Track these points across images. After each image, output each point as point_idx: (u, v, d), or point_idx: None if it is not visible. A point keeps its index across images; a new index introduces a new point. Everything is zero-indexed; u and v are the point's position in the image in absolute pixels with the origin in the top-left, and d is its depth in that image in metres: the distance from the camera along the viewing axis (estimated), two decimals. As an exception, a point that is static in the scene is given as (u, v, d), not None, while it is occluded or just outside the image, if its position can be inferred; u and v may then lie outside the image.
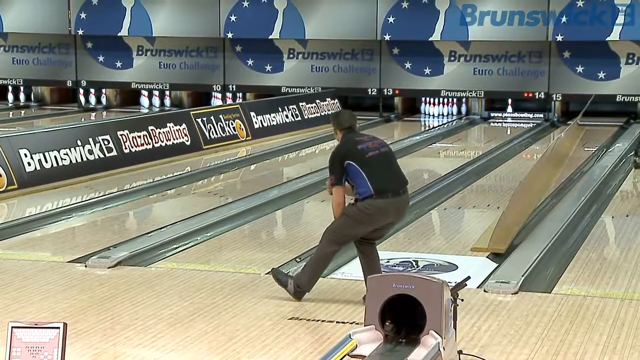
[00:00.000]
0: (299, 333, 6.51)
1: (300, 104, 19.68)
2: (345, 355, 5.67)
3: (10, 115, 21.85)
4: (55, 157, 12.66)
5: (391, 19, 21.75)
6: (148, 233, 9.83)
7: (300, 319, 6.75)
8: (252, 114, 17.83)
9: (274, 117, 18.43)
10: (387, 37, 21.76)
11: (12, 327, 3.81)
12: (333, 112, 7.57)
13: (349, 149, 7.19)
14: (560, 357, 5.96)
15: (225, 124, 16.78)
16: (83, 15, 22.72)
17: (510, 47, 21.21)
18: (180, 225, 10.13)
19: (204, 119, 16.34)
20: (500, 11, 21.21)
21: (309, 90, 21.56)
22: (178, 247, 9.23)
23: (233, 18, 22.30)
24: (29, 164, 12.18)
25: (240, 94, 22.45)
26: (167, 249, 9.13)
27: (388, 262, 8.44)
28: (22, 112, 22.45)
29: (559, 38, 20.89)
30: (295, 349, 6.18)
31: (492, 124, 21.92)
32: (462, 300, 5.72)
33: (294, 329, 6.59)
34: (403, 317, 5.66)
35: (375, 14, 21.80)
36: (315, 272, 7.18)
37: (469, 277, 6.35)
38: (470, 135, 20.59)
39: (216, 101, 22.47)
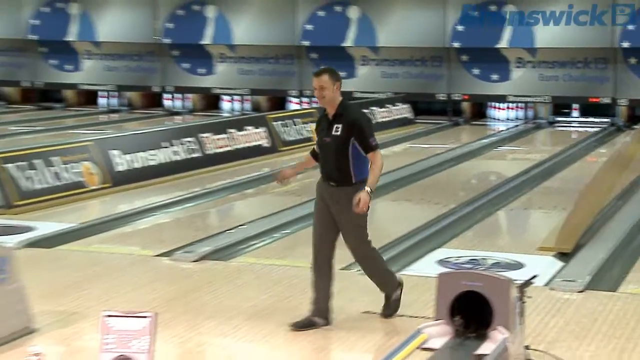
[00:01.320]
0: (371, 326, 6.49)
1: (372, 108, 19.64)
2: (416, 348, 5.66)
3: (103, 119, 22.23)
4: (144, 157, 12.86)
5: (460, 28, 21.59)
6: (229, 230, 9.90)
7: (373, 313, 6.73)
8: (327, 117, 17.82)
9: (348, 121, 18.38)
10: (455, 45, 21.60)
11: (106, 315, 3.88)
12: (322, 68, 6.44)
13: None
14: (626, 355, 5.84)
15: (302, 127, 16.85)
16: (170, 25, 23.01)
17: (576, 54, 20.87)
18: (259, 223, 10.19)
19: (281, 122, 16.45)
20: (566, 18, 20.89)
21: (380, 96, 21.49)
22: (257, 243, 9.30)
23: (309, 27, 22.37)
24: (120, 164, 12.40)
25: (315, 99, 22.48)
26: (246, 245, 9.20)
27: (457, 259, 8.38)
28: (114, 115, 22.82)
29: (625, 45, 20.50)
30: (367, 341, 6.17)
31: (557, 128, 21.58)
32: (530, 297, 5.64)
33: (367, 323, 6.57)
34: (471, 313, 5.63)
35: (444, 22, 21.66)
36: (383, 273, 6.62)
37: (536, 275, 6.28)
38: (537, 138, 20.31)
39: (292, 105, 22.54)
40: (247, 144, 15.32)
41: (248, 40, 22.70)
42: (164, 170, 13.10)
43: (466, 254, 8.68)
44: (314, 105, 21.24)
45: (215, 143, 14.54)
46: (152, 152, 13.08)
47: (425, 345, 5.68)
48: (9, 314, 6.08)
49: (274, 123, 16.25)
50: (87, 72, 23.56)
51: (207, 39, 22.91)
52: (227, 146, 14.76)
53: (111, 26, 23.22)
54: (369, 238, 6.47)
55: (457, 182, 13.90)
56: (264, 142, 15.73)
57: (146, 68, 23.26)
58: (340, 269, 7.98)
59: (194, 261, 8.39)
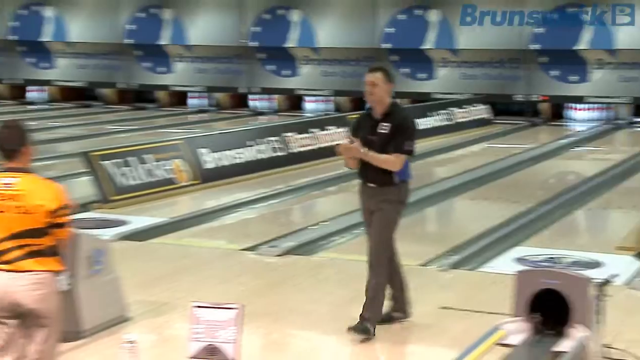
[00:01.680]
0: (449, 322, 6.44)
1: (451, 109, 19.48)
2: (493, 344, 5.58)
3: (193, 119, 22.54)
4: (230, 155, 12.99)
5: (539, 30, 21.24)
6: (312, 226, 9.93)
7: (451, 309, 6.66)
8: (407, 118, 17.76)
9: (427, 121, 18.29)
10: (534, 47, 21.26)
11: (195, 306, 3.92)
12: (378, 65, 6.59)
13: None
14: None
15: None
16: (256, 29, 23.20)
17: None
18: (341, 219, 10.17)
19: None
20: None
21: (459, 97, 21.29)
22: (338, 239, 9.30)
23: (390, 30, 22.29)
24: (209, 162, 12.54)
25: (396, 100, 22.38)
26: (328, 241, 9.21)
27: (535, 257, 8.24)
28: (203, 115, 23.12)
29: None
30: (445, 336, 6.11)
31: (637, 129, 21.04)
32: (609, 296, 5.51)
33: (446, 318, 6.52)
34: (549, 311, 5.52)
35: (522, 24, 21.35)
36: (380, 291, 6.13)
37: (615, 274, 6.14)
38: (616, 139, 19.84)
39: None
40: (329, 143, 15.31)
41: (331, 43, 22.74)
42: (250, 168, 13.20)
43: (544, 252, 8.53)
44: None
45: (299, 142, 14.59)
46: (238, 150, 13.20)
47: (504, 342, 5.60)
48: (105, 303, 6.21)
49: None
50: (178, 74, 23.92)
51: (291, 42, 23.02)
52: (310, 145, 14.80)
53: (201, 30, 23.51)
54: (393, 248, 6.15)
55: (535, 181, 13.67)
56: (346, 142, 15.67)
57: (233, 70, 23.49)
58: (419, 265, 7.95)
59: (278, 255, 8.43)
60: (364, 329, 5.92)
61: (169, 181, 11.73)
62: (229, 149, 13.04)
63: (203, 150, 12.55)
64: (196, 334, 3.86)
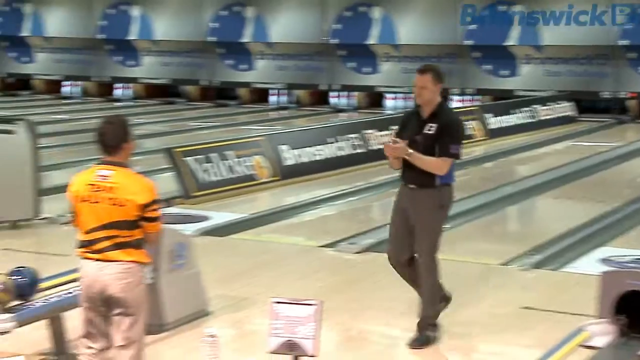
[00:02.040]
0: (532, 322, 6.34)
1: (534, 106, 19.17)
2: (577, 346, 5.48)
3: (273, 116, 22.70)
4: (310, 152, 13.03)
5: (628, 25, 20.73)
6: (389, 223, 9.87)
7: (534, 309, 6.56)
8: (488, 115, 17.57)
9: (509, 118, 18.05)
10: (623, 43, 20.76)
11: (274, 302, 3.94)
12: (428, 65, 5.99)
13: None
14: None
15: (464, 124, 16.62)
16: (337, 26, 23.22)
17: None
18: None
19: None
20: None
21: (543, 94, 20.93)
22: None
23: (472, 26, 22.05)
24: (289, 158, 12.61)
25: (478, 97, 22.15)
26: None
27: (621, 258, 8.05)
28: (283, 112, 23.26)
29: None
30: (528, 337, 6.02)
31: None
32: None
33: (527, 318, 6.42)
34: (636, 313, 5.39)
35: (610, 20, 20.86)
36: (435, 292, 6.01)
37: None
38: None
39: (454, 103, 22.28)
40: (410, 141, 15.22)
41: (412, 40, 22.62)
42: (329, 165, 13.22)
43: (631, 253, 8.32)
44: (476, 103, 20.94)
45: (379, 139, 14.53)
46: (318, 147, 13.23)
47: (588, 344, 5.49)
48: (187, 297, 6.31)
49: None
50: (259, 72, 24.10)
51: (372, 39, 22.97)
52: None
53: (283, 27, 23.65)
54: (439, 247, 5.95)
55: (622, 180, 13.35)
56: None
57: (314, 67, 23.56)
58: (499, 264, 7.85)
59: (357, 252, 8.42)
60: (424, 339, 5.84)
61: (250, 177, 11.84)
62: (309, 146, 13.08)
63: (283, 147, 12.62)
64: (276, 329, 3.88)
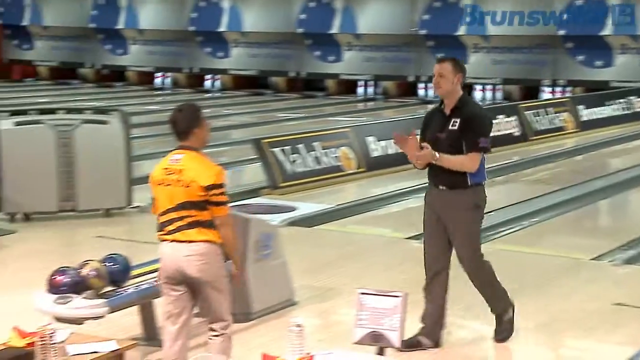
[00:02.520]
0: (623, 319, 6.20)
1: (630, 97, 18.68)
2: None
3: (360, 107, 22.70)
4: (486, 141, 12.96)
5: None
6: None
7: (626, 306, 6.41)
8: (581, 107, 17.22)
9: (602, 110, 17.64)
10: None
11: (360, 293, 3.96)
12: (448, 57, 5.56)
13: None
14: None
15: (554, 116, 16.34)
16: (426, 17, 23.07)
17: None
18: (507, 210, 10.00)
19: (533, 111, 16.03)
20: None
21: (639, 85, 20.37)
22: (505, 230, 9.13)
23: (565, 16, 21.61)
24: (375, 149, 12.61)
25: (570, 88, 21.71)
26: (494, 231, 9.04)
27: None
28: (370, 104, 23.23)
29: None
30: (620, 334, 5.90)
31: None
32: None
33: (619, 315, 6.29)
34: None
35: None
36: (495, 288, 5.79)
37: None
38: None
39: (545, 95, 21.90)
40: (498, 133, 15.04)
41: (502, 31, 22.30)
42: (417, 157, 13.14)
43: None
44: (568, 94, 20.52)
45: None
46: (405, 139, 13.16)
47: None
48: (273, 287, 6.37)
49: (526, 112, 15.86)
50: (347, 63, 24.09)
51: (461, 30, 22.74)
52: (478, 134, 14.56)
53: (371, 18, 23.60)
54: (481, 248, 5.68)
55: None
56: (515, 131, 15.39)
57: (402, 58, 23.45)
58: (590, 259, 7.70)
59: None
60: (506, 331, 5.69)
61: (336, 169, 11.87)
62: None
63: (370, 139, 12.61)
64: (361, 320, 3.90)
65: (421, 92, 23.49)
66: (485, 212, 10.18)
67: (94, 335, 4.95)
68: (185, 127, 4.68)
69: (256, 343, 5.68)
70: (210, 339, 4.76)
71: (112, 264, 5.49)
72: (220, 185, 4.63)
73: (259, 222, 6.46)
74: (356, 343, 3.88)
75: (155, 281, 5.29)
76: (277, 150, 11.21)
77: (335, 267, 7.60)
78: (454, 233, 5.51)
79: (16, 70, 27.38)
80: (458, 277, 5.80)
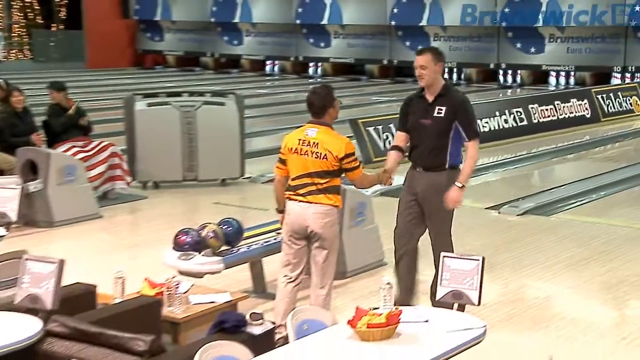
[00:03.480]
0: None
1: None
2: None
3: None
4: (478, 124, 12.79)
5: None
6: (550, 189, 9.60)
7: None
8: (649, 91, 16.60)
9: None
10: None
11: (444, 256, 3.93)
12: (426, 48, 5.20)
13: None
14: None
15: (623, 100, 15.82)
16: (506, 10, 22.53)
17: None
18: (578, 185, 9.77)
19: (604, 95, 15.57)
20: None
21: None
22: (575, 202, 8.93)
23: (637, 8, 20.74)
24: (458, 129, 12.44)
25: (638, 75, 20.90)
26: (565, 203, 8.86)
27: None
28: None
29: None
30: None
31: None
32: None
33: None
34: None
35: None
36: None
37: None
38: None
39: (615, 81, 21.14)
40: (571, 114, 14.68)
41: (578, 22, 21.59)
42: (495, 136, 12.94)
43: None
44: (637, 80, 19.77)
45: (541, 113, 14.09)
46: (485, 120, 12.97)
47: None
48: (366, 249, 6.40)
49: (597, 96, 15.42)
50: (434, 52, 23.77)
51: (539, 22, 22.12)
52: (552, 116, 14.25)
53: (458, 10, 23.20)
54: (451, 232, 5.26)
55: None
56: (586, 113, 14.98)
57: (484, 48, 23.00)
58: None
59: (518, 215, 8.26)
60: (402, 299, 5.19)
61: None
62: (477, 119, 12.81)
63: (454, 120, 12.45)
64: (444, 280, 3.88)
65: (501, 78, 23.02)
66: (557, 185, 10.02)
67: (211, 287, 5.07)
68: (321, 105, 4.77)
69: (350, 298, 5.72)
70: (315, 293, 4.83)
71: (227, 227, 5.60)
72: (352, 154, 4.78)
73: (355, 192, 6.48)
74: (439, 300, 3.86)
75: (278, 233, 5.49)
76: (370, 129, 11.20)
77: (421, 233, 7.56)
78: (430, 213, 5.16)
79: (148, 59, 28.05)
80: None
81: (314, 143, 4.72)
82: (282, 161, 4.85)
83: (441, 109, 5.07)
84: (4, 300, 4.16)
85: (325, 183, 4.73)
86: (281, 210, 4.92)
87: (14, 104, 8.49)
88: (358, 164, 4.83)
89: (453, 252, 4.84)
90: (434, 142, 5.08)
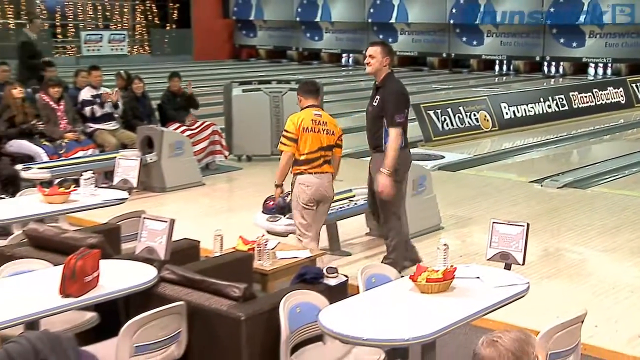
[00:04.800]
0: None
1: None
2: None
3: (496, 80, 21.86)
4: (524, 109, 12.47)
5: None
6: (587, 166, 9.29)
7: None
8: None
9: None
10: None
11: (493, 222, 3.85)
12: (378, 41, 5.22)
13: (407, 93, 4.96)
14: None
15: (655, 88, 15.15)
16: (552, 10, 21.77)
17: None
18: (612, 162, 9.42)
19: (638, 84, 14.94)
20: None
21: None
22: (609, 177, 8.62)
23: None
24: (507, 113, 12.16)
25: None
26: (600, 178, 8.56)
27: None
28: (504, 78, 22.33)
29: None
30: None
31: None
32: None
33: None
34: None
35: None
36: (398, 245, 5.11)
37: None
38: None
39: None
40: (607, 101, 14.13)
41: (616, 21, 20.68)
42: (539, 119, 12.60)
43: None
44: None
45: (581, 100, 13.62)
46: (531, 105, 12.63)
47: None
48: (426, 215, 6.33)
49: (632, 85, 14.81)
50: (487, 46, 23.21)
51: (580, 20, 21.28)
52: (590, 102, 13.76)
53: (508, 12, 22.54)
54: (399, 207, 5.01)
55: None
56: (621, 100, 14.40)
57: (531, 43, 22.29)
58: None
59: (558, 188, 8.03)
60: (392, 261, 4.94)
61: (476, 127, 11.55)
62: (524, 104, 12.52)
63: (503, 105, 12.18)
64: (493, 242, 3.80)
65: (545, 69, 22.31)
66: (594, 162, 9.71)
67: (294, 245, 5.10)
68: (319, 94, 5.12)
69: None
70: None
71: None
72: (341, 133, 5.06)
73: (417, 166, 6.40)
74: (489, 259, 3.79)
75: (350, 201, 5.80)
76: (431, 112, 11.04)
77: (472, 202, 7.44)
78: (377, 191, 4.93)
79: (244, 52, 28.22)
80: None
81: (323, 122, 4.91)
82: (294, 140, 4.87)
83: (377, 99, 4.91)
84: (127, 251, 4.29)
85: (329, 155, 4.94)
86: (279, 185, 5.05)
87: (135, 90, 8.68)
88: (341, 143, 5.07)
89: (395, 235, 4.98)
90: (371, 127, 4.95)
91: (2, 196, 6.01)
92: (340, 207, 5.76)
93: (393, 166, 4.80)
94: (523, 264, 3.70)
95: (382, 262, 4.87)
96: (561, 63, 22.02)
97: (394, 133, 4.80)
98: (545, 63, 22.22)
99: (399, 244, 5.13)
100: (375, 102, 4.93)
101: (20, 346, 1.92)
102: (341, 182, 5.10)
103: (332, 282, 3.74)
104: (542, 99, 12.89)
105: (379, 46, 4.91)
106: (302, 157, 4.87)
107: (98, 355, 2.08)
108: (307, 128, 4.87)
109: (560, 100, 13.19)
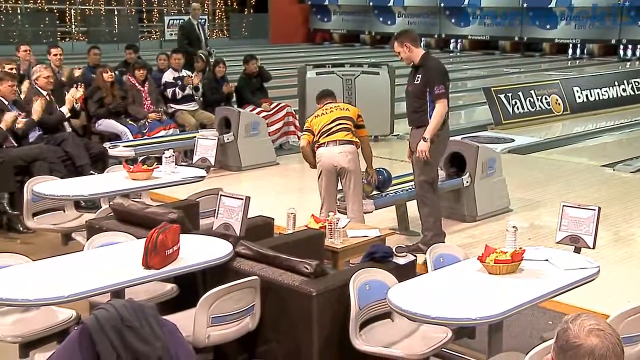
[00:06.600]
0: None
1: None
2: None
3: (569, 64, 21.08)
4: (597, 93, 11.98)
5: None
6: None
7: None
8: None
9: None
10: None
11: (563, 205, 3.73)
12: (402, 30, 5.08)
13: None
14: None
15: None
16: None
17: None
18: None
19: None
20: None
21: None
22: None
23: None
24: (579, 97, 11.71)
25: None
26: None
27: None
28: (577, 62, 21.50)
29: None
30: None
31: None
32: None
33: None
34: None
35: None
36: (432, 222, 5.13)
37: None
38: None
39: None
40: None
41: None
42: (613, 103, 12.08)
43: None
44: None
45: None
46: (604, 89, 12.11)
47: None
48: (494, 197, 6.20)
49: None
50: (560, 30, 22.39)
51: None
52: (668, 86, 13.06)
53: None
54: (433, 176, 5.03)
55: None
56: None
57: (606, 26, 21.35)
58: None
59: (632, 172, 7.70)
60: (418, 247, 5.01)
61: (547, 111, 11.19)
62: (597, 88, 12.02)
63: (576, 88, 11.73)
64: (563, 225, 3.68)
65: (621, 52, 21.33)
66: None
67: (365, 224, 5.09)
68: (334, 96, 5.55)
69: (481, 239, 5.57)
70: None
71: (378, 175, 5.57)
72: (360, 116, 5.28)
73: (486, 149, 6.27)
74: (558, 242, 3.68)
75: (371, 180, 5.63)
76: (502, 96, 10.76)
77: (542, 185, 7.23)
78: (416, 162, 5.02)
79: (318, 36, 28.20)
80: None
81: (336, 106, 5.24)
82: (308, 130, 5.20)
83: (419, 77, 4.95)
84: (205, 227, 4.38)
85: (347, 124, 5.07)
86: (315, 166, 5.21)
87: (217, 72, 8.82)
88: (363, 124, 5.21)
89: (432, 212, 5.03)
90: (413, 103, 4.99)
91: (92, 172, 6.23)
92: (410, 188, 5.71)
93: (433, 134, 4.86)
94: (593, 247, 3.57)
95: (409, 246, 4.92)
96: (638, 46, 21.01)
97: (440, 105, 4.83)
98: (621, 46, 21.24)
99: (435, 225, 5.10)
100: (417, 80, 4.96)
101: (108, 313, 2.02)
102: (408, 164, 5.03)
103: (401, 261, 3.71)
104: (616, 83, 12.34)
105: (394, 41, 5.03)
106: (317, 135, 5.17)
107: (177, 324, 2.16)
108: (318, 115, 5.23)
109: (636, 84, 12.60)
